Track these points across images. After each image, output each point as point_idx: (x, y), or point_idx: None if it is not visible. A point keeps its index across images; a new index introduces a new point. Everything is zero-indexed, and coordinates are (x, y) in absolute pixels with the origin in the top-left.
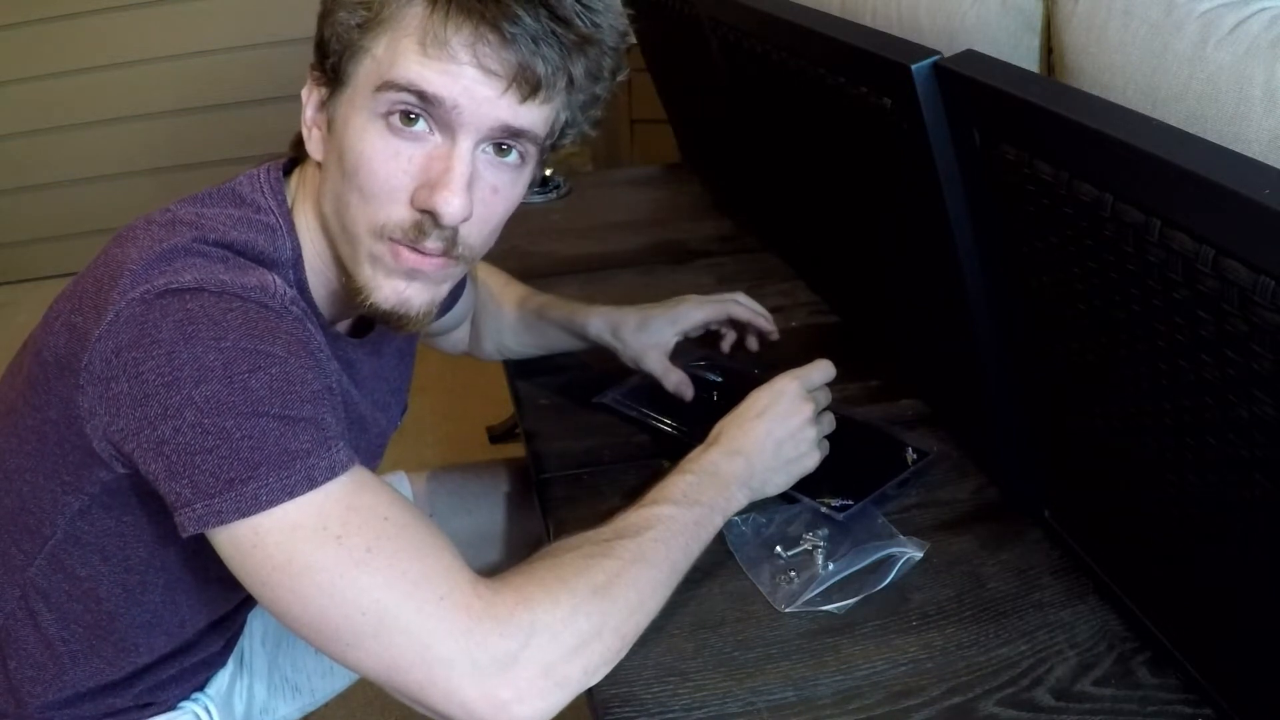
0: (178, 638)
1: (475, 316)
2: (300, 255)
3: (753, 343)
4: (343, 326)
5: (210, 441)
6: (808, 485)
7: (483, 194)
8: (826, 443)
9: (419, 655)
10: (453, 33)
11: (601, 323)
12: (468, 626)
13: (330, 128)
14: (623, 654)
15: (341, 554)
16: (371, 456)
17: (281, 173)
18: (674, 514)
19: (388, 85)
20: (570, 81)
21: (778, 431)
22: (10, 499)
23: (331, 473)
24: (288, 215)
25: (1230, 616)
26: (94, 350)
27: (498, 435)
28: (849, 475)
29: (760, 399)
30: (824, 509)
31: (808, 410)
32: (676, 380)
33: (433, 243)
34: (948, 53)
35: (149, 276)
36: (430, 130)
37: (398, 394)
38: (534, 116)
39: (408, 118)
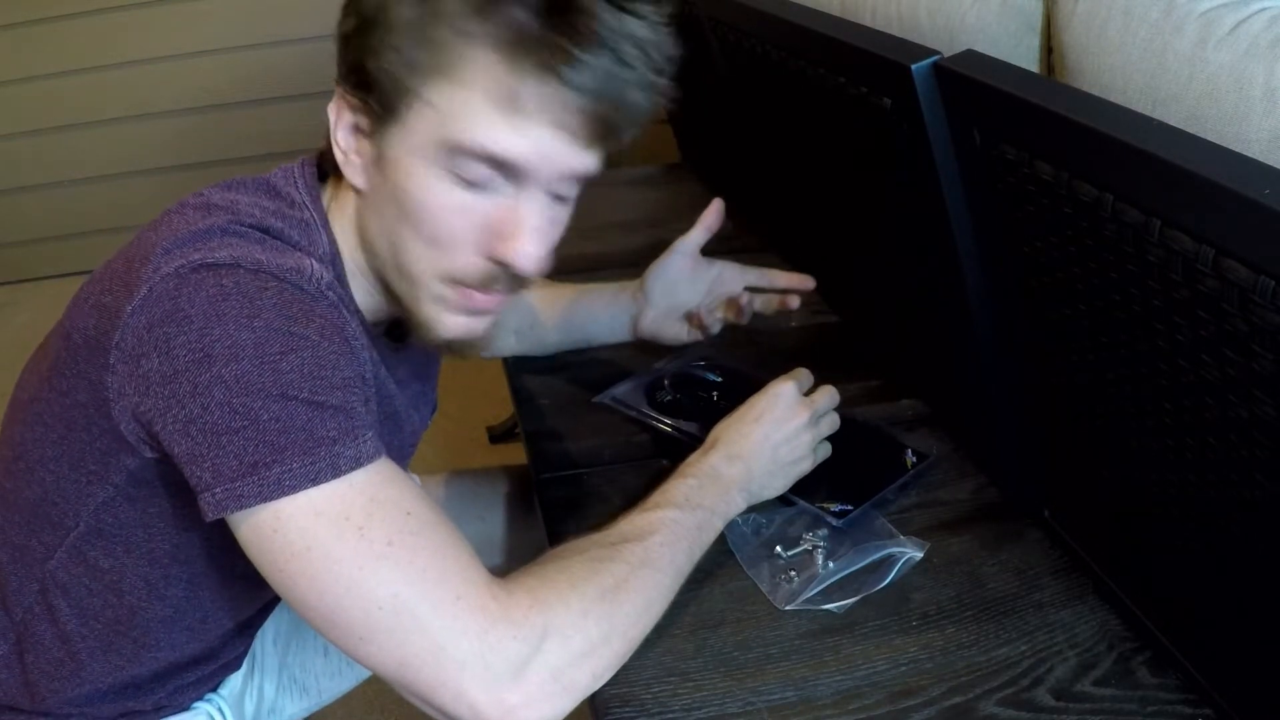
0: (199, 635)
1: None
2: (338, 254)
3: (794, 300)
4: (380, 329)
5: (237, 422)
6: (807, 489)
7: (546, 229)
8: (827, 445)
9: (432, 654)
10: (527, 90)
11: (647, 277)
12: (483, 628)
13: (379, 163)
14: (627, 658)
15: (362, 545)
16: (404, 455)
17: (315, 169)
18: (677, 518)
19: (458, 149)
20: (635, 122)
21: (775, 436)
22: (32, 490)
23: (357, 462)
24: (323, 212)
25: (1230, 616)
26: (126, 326)
27: (498, 435)
28: (848, 479)
29: (757, 403)
30: (823, 515)
31: (804, 414)
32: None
33: (504, 286)
34: (948, 53)
35: (184, 253)
36: (498, 180)
37: (426, 395)
38: (597, 158)
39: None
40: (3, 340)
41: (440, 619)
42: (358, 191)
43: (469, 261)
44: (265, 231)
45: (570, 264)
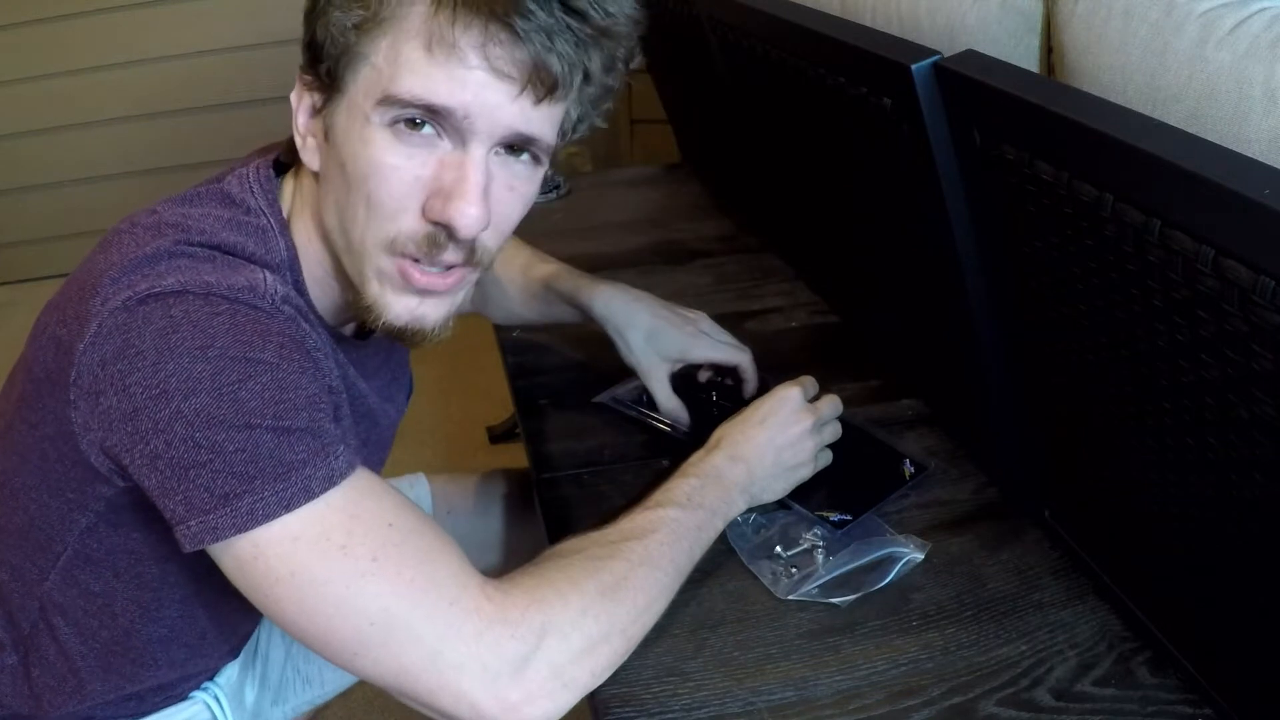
0: (199, 652)
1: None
2: (296, 258)
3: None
4: (348, 329)
5: (203, 456)
6: (805, 495)
7: (499, 194)
8: (829, 453)
9: (429, 661)
10: (460, 33)
11: (606, 310)
12: (479, 630)
13: (328, 136)
14: (627, 656)
15: (346, 564)
16: (382, 447)
17: (272, 171)
18: (678, 517)
19: (391, 100)
20: (586, 78)
21: (779, 439)
22: (19, 516)
23: (330, 482)
24: (280, 216)
25: (1230, 616)
26: (80, 364)
27: (498, 435)
28: (846, 488)
29: (762, 406)
30: (822, 523)
31: (808, 420)
32: (674, 407)
33: (450, 255)
34: (948, 53)
35: (130, 282)
36: (439, 135)
37: (399, 380)
38: (545, 120)
39: (413, 124)
40: (3, 340)
41: (434, 626)
42: (316, 176)
43: (412, 225)
44: (217, 248)
45: (571, 264)
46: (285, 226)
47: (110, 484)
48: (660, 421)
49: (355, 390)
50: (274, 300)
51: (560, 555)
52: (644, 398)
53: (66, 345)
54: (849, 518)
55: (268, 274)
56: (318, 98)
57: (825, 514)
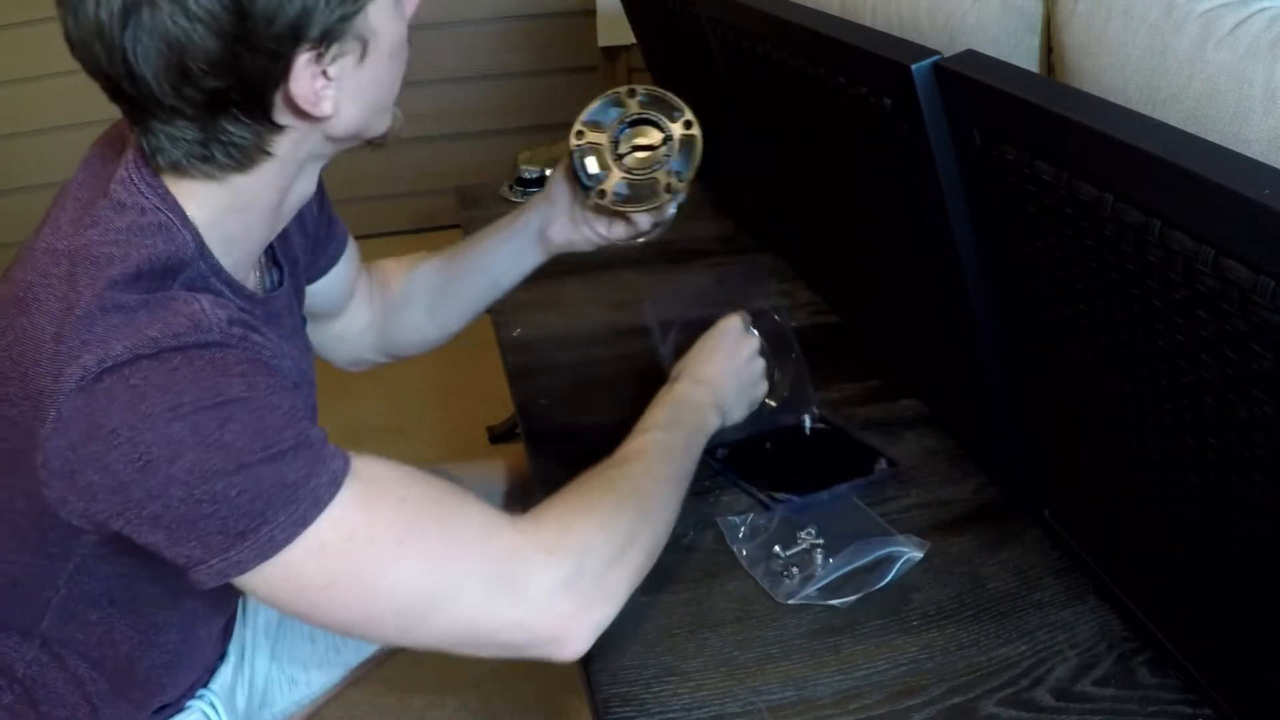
0: (201, 669)
1: (403, 305)
2: (203, 243)
3: None
4: (255, 285)
5: (207, 507)
6: (761, 477)
7: None
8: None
9: (481, 612)
10: None
11: (526, 206)
12: (517, 567)
13: (368, 52)
14: (648, 569)
15: (377, 554)
16: (314, 397)
17: (145, 164)
18: (664, 438)
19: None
20: None
21: (734, 361)
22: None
23: (336, 485)
24: (176, 206)
25: (1230, 616)
26: (47, 449)
27: (498, 435)
28: (805, 473)
29: (709, 339)
30: (768, 501)
31: (753, 343)
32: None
33: None
34: (948, 53)
35: (74, 354)
36: None
37: (300, 320)
38: None
39: None
40: None
41: (474, 579)
42: (315, 119)
43: None
44: (137, 278)
45: (571, 264)
46: (185, 219)
47: (97, 533)
48: (659, 348)
49: (298, 368)
50: (221, 325)
51: (574, 483)
52: (672, 339)
53: (24, 428)
54: (795, 497)
55: (203, 300)
56: (323, 55)
57: (774, 494)
